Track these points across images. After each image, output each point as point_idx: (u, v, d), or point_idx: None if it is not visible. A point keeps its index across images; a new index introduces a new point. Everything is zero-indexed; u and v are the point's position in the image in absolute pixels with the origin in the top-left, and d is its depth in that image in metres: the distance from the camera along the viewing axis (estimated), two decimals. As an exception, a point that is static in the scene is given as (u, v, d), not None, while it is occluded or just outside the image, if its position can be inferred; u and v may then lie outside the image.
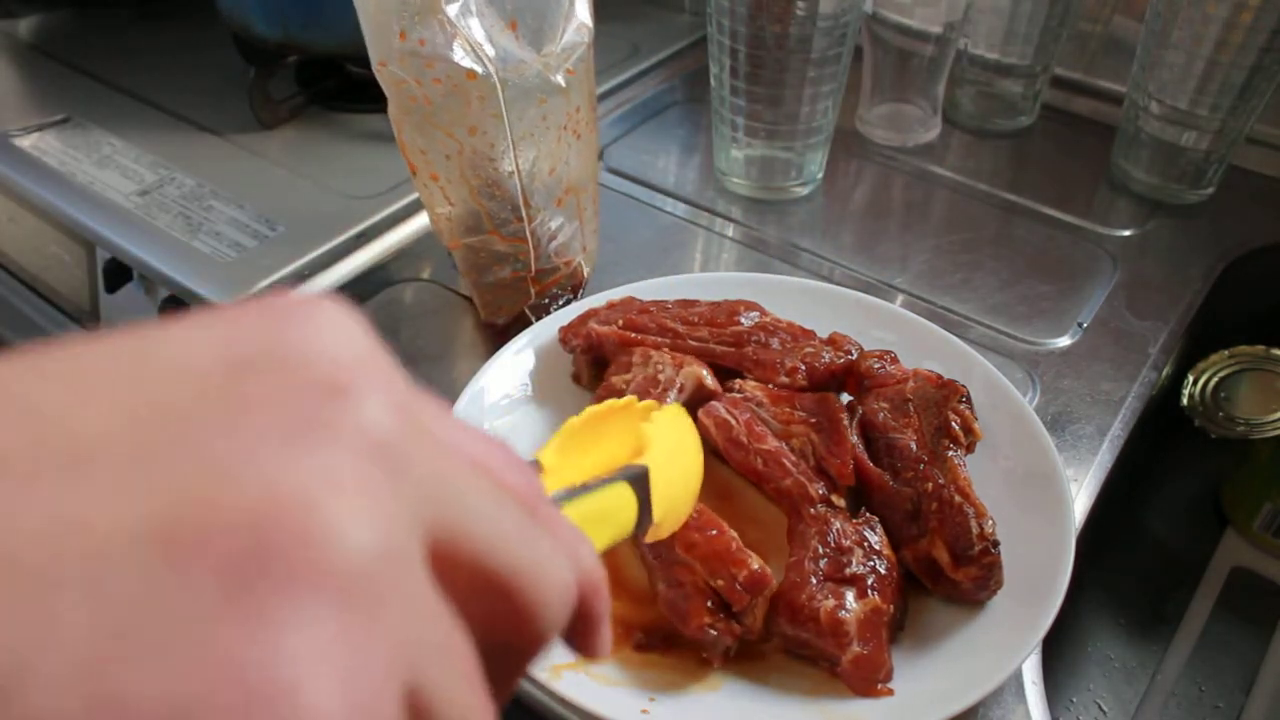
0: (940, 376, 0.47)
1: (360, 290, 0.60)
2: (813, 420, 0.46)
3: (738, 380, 0.48)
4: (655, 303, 0.52)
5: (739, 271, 0.61)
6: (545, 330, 0.52)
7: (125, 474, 0.13)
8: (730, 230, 0.67)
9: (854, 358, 0.49)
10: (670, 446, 0.32)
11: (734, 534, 0.40)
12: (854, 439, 0.45)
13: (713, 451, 0.45)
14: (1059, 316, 0.59)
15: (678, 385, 0.47)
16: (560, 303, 0.56)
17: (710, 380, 0.48)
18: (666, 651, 0.40)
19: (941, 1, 0.67)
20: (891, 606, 0.40)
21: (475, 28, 0.45)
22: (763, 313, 0.51)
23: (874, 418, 0.46)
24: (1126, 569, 0.67)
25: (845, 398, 0.49)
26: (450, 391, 0.49)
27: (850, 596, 0.39)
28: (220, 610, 0.12)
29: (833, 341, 0.50)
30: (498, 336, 0.54)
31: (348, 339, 0.16)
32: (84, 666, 0.12)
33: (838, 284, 0.58)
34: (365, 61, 0.46)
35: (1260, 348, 0.64)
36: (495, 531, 0.17)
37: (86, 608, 0.12)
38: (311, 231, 0.63)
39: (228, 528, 0.13)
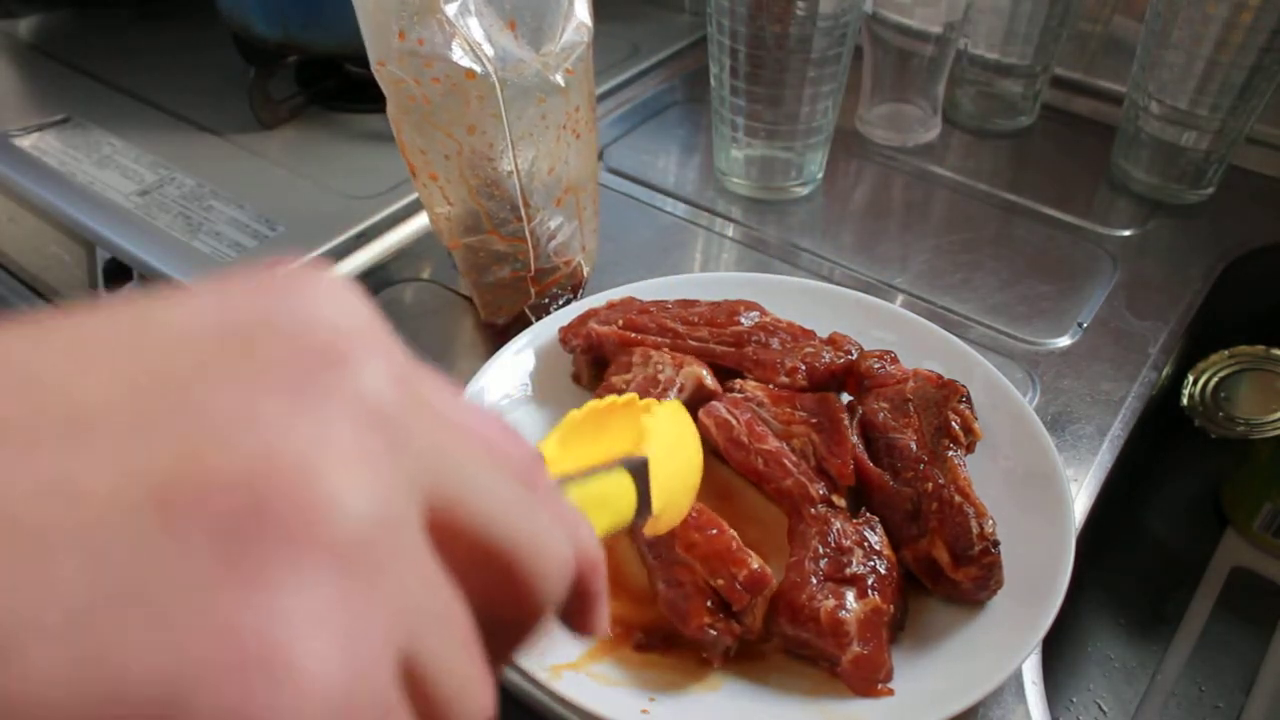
0: (940, 376, 0.47)
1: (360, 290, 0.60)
2: (813, 420, 0.46)
3: (738, 380, 0.48)
4: (655, 303, 0.52)
5: (739, 271, 0.61)
6: (545, 330, 0.52)
7: (124, 440, 0.13)
8: (730, 230, 0.67)
9: (854, 358, 0.49)
10: (670, 440, 0.32)
11: (734, 534, 0.40)
12: (854, 439, 0.45)
13: (713, 451, 0.45)
14: (1059, 316, 0.59)
15: (678, 385, 0.47)
16: (560, 303, 0.56)
17: (710, 380, 0.48)
18: (666, 651, 0.40)
19: (941, 1, 0.67)
20: (891, 606, 0.40)
21: (474, 27, 0.45)
22: (763, 313, 0.51)
23: (874, 418, 0.46)
24: (1126, 569, 0.67)
25: (845, 398, 0.49)
26: (450, 391, 0.49)
27: (850, 596, 0.39)
28: (216, 573, 0.12)
29: (833, 341, 0.50)
30: (498, 336, 0.54)
31: (347, 309, 0.16)
32: (80, 629, 0.12)
33: (838, 284, 0.58)
34: (365, 61, 0.46)
35: (1260, 348, 0.64)
36: (494, 503, 0.16)
37: (84, 571, 0.12)
38: (311, 231, 0.63)
39: (225, 490, 0.13)
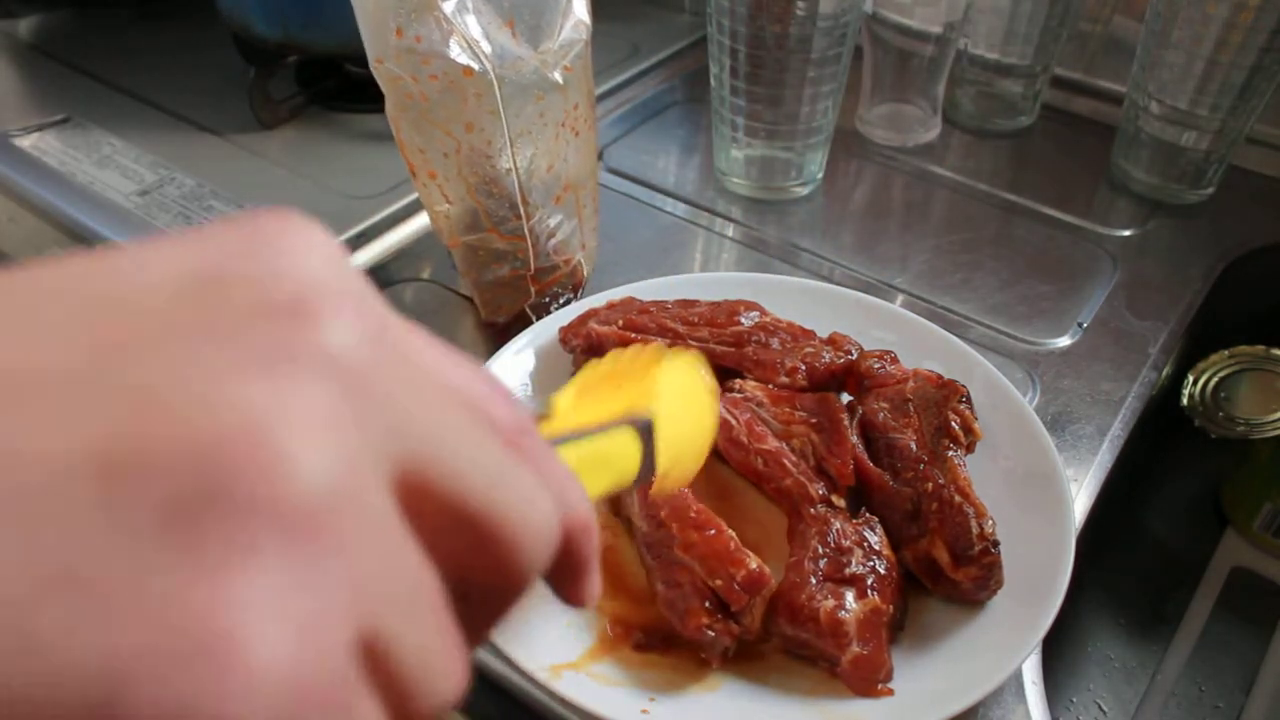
0: (940, 376, 0.47)
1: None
2: (813, 420, 0.46)
3: (738, 380, 0.48)
4: (655, 303, 0.52)
5: (739, 271, 0.61)
6: (545, 330, 0.52)
7: (68, 405, 0.12)
8: (730, 230, 0.67)
9: (854, 358, 0.49)
10: (682, 396, 0.31)
11: (732, 534, 0.40)
12: (854, 439, 0.45)
13: (713, 451, 0.45)
14: (1059, 316, 0.59)
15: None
16: (560, 302, 0.56)
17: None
18: (666, 651, 0.40)
19: (941, 1, 0.67)
20: (891, 606, 0.40)
21: (472, 24, 0.45)
22: (763, 313, 0.51)
23: (874, 418, 0.46)
24: (1126, 569, 0.67)
25: (845, 398, 0.49)
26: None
27: (850, 596, 0.39)
28: (159, 552, 0.11)
29: (833, 341, 0.50)
30: (498, 336, 0.54)
31: (319, 259, 0.14)
32: (12, 612, 0.11)
33: (838, 284, 0.58)
34: (365, 61, 0.46)
35: (1260, 348, 0.64)
36: (469, 465, 0.15)
37: (19, 547, 0.11)
38: (311, 231, 0.63)
39: (170, 459, 0.12)
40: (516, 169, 0.49)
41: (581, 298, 0.56)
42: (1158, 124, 0.66)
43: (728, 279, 0.56)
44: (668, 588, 0.40)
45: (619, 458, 0.26)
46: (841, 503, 0.43)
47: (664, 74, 0.84)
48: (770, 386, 0.47)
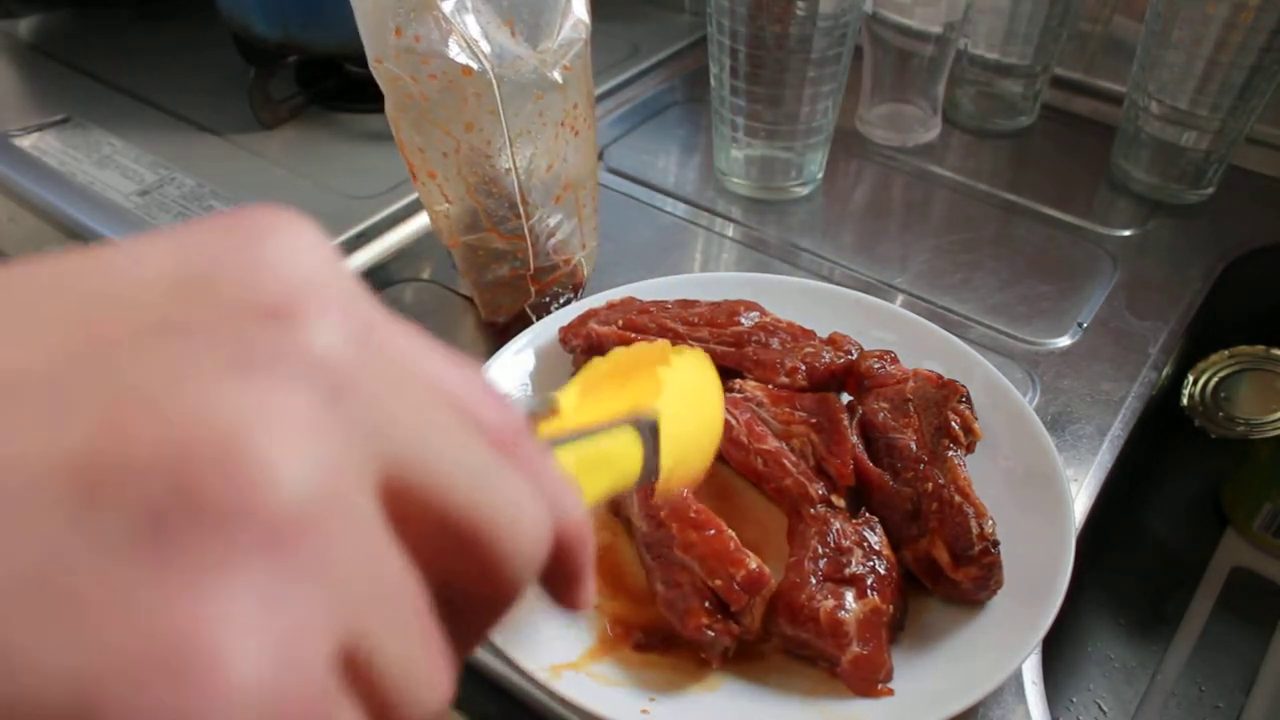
0: (940, 376, 0.47)
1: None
2: (813, 420, 0.46)
3: (738, 380, 0.48)
4: (655, 303, 0.52)
5: (739, 271, 0.61)
6: (545, 330, 0.52)
7: (44, 408, 0.12)
8: (730, 230, 0.67)
9: (854, 358, 0.49)
10: (688, 394, 0.30)
11: (732, 534, 0.40)
12: (854, 439, 0.45)
13: (712, 451, 0.45)
14: (1059, 316, 0.59)
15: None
16: (560, 301, 0.56)
17: (710, 380, 0.48)
18: (666, 651, 0.40)
19: (941, 1, 0.67)
20: (891, 606, 0.40)
21: (471, 24, 0.45)
22: (763, 313, 0.51)
23: (874, 418, 0.46)
24: (1126, 569, 0.67)
25: (845, 398, 0.49)
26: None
27: (850, 596, 0.39)
28: (137, 564, 0.11)
29: (833, 341, 0.50)
30: (498, 336, 0.54)
31: (306, 257, 0.14)
32: None
33: (838, 284, 0.58)
34: (365, 61, 0.46)
35: (1260, 348, 0.64)
36: (456, 471, 0.15)
37: None
38: (311, 231, 0.63)
39: (147, 465, 0.11)
40: (516, 168, 0.49)
41: (581, 298, 0.56)
42: (1158, 124, 0.66)
43: (728, 279, 0.56)
44: (667, 588, 0.40)
45: (620, 458, 0.25)
46: (841, 503, 0.43)
47: (664, 74, 0.84)
48: (770, 386, 0.47)
